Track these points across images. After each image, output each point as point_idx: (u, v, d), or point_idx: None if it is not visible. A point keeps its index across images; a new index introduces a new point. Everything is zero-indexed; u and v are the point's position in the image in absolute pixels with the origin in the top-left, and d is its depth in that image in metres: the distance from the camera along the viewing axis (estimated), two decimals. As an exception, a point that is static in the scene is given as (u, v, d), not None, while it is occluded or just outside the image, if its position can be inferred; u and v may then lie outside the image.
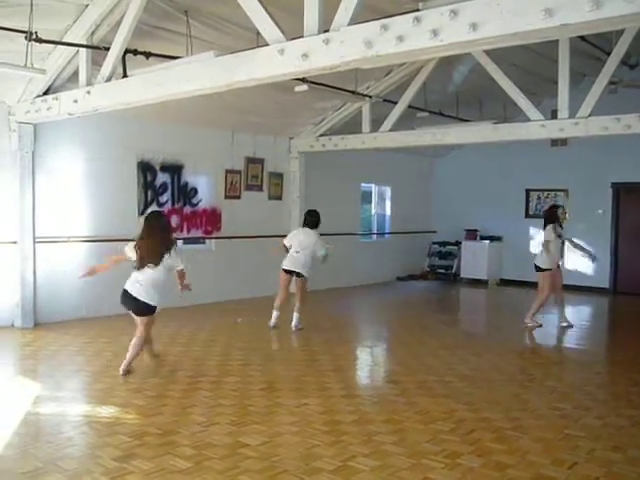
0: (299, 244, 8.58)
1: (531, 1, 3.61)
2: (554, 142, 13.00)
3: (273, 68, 5.03)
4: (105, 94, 6.75)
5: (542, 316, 9.45)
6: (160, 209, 9.06)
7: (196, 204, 10.77)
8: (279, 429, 4.77)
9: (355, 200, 13.93)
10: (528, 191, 14.13)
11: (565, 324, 9.27)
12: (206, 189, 10.92)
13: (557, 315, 9.48)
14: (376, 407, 5.43)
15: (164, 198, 10.23)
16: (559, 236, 9.09)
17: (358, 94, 9.75)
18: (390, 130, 10.41)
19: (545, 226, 9.14)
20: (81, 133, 9.09)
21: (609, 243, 13.15)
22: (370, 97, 10.29)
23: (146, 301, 5.99)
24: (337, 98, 10.07)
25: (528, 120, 9.11)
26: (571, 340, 8.78)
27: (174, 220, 10.34)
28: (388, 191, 14.90)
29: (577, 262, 13.38)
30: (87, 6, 6.74)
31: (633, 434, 4.82)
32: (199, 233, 10.86)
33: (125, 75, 6.64)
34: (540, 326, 9.07)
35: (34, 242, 8.61)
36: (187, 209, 10.62)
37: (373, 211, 14.79)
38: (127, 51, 6.73)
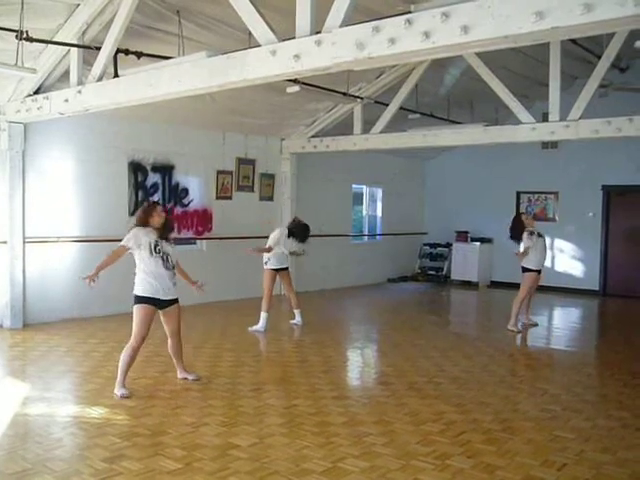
0: (284, 244, 8.77)
1: (522, 4, 3.62)
2: (545, 145, 13.07)
3: (265, 69, 5.02)
4: (96, 94, 6.72)
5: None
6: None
7: (187, 205, 10.75)
8: (269, 430, 4.77)
9: (346, 201, 13.94)
10: (519, 193, 14.17)
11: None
12: (197, 190, 10.90)
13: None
14: (366, 408, 5.43)
15: (155, 198, 10.16)
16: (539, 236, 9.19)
17: (350, 96, 9.76)
18: (381, 132, 10.44)
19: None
20: (72, 133, 9.05)
21: (599, 245, 13.21)
22: (362, 99, 10.31)
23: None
24: (329, 99, 10.08)
25: (519, 123, 9.14)
26: (561, 342, 8.82)
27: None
28: (379, 192, 14.92)
29: (567, 264, 13.49)
30: (78, 5, 6.71)
31: (623, 436, 4.84)
32: (190, 234, 10.83)
33: (116, 75, 6.61)
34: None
35: (24, 242, 8.57)
36: (178, 209, 10.59)
37: (364, 212, 14.80)
38: (118, 51, 6.70)
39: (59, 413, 5.13)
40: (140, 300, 5.59)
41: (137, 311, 5.60)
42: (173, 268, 5.75)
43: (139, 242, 5.60)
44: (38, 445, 4.41)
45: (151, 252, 5.60)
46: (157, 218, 5.75)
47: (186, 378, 6.09)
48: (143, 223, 5.73)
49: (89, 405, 5.31)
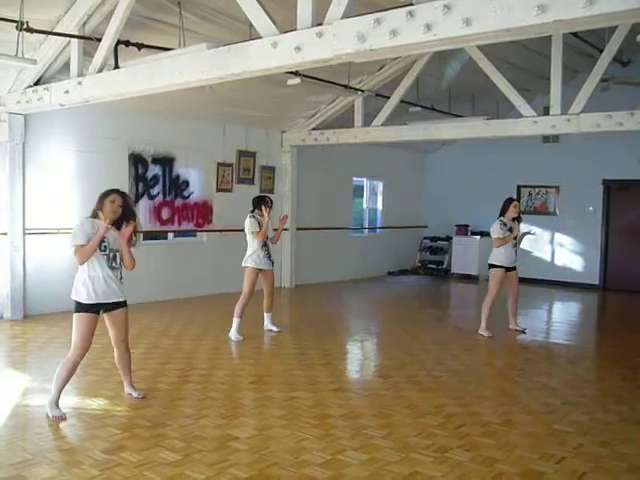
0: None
1: (525, -3, 3.61)
2: (546, 138, 13.05)
3: (266, 61, 5.01)
4: (96, 85, 6.71)
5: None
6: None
7: (188, 197, 10.74)
8: (268, 422, 4.78)
9: (347, 194, 13.93)
10: (519, 187, 14.15)
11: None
12: (198, 182, 10.89)
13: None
14: (366, 401, 5.44)
15: (155, 190, 10.20)
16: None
17: (351, 88, 9.75)
18: (382, 125, 10.42)
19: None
20: (72, 124, 9.04)
21: (599, 240, 13.21)
22: (363, 91, 10.29)
23: None
24: (330, 92, 10.06)
25: (520, 116, 9.13)
26: (560, 336, 8.81)
27: (166, 212, 10.35)
28: (380, 185, 14.91)
29: (567, 258, 13.49)
30: (79, -4, 6.71)
31: (621, 429, 4.85)
32: (190, 226, 10.84)
33: (117, 66, 6.60)
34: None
35: (24, 233, 8.57)
36: (179, 202, 10.60)
37: (365, 205, 14.80)
38: (119, 42, 6.69)
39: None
40: (84, 308, 4.84)
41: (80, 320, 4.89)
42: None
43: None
44: (38, 436, 4.43)
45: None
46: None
47: (131, 394, 5.31)
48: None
49: (89, 396, 5.33)
